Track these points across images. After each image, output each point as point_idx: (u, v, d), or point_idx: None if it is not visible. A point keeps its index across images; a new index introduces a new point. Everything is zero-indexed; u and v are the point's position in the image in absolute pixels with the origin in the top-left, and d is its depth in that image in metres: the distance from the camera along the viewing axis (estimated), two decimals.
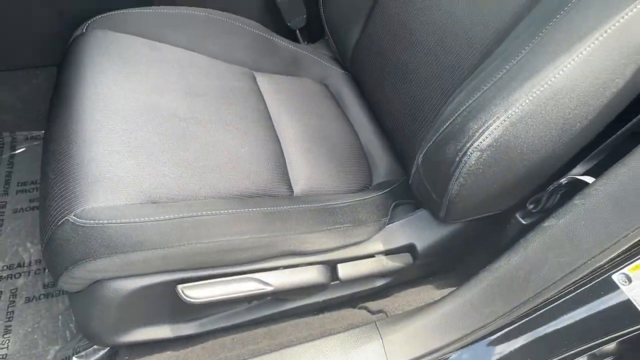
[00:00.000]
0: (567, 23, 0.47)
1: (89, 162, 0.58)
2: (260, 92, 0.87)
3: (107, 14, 0.82)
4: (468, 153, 0.52)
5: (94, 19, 0.81)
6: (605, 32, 0.45)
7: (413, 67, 0.74)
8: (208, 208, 0.58)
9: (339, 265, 0.66)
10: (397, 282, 0.74)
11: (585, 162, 0.60)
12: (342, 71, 1.01)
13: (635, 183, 0.44)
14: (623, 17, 0.44)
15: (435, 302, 0.61)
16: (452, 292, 0.61)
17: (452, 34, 0.68)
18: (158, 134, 0.66)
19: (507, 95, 0.49)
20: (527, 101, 0.48)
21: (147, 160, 0.61)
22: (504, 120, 0.49)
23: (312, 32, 1.07)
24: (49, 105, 0.73)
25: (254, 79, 0.90)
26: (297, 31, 1.05)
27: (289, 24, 1.02)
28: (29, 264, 0.87)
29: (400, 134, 0.78)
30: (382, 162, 0.85)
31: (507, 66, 0.51)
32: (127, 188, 0.56)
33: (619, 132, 0.58)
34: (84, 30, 0.80)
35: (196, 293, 0.56)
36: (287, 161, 0.76)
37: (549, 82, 0.47)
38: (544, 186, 0.61)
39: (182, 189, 0.60)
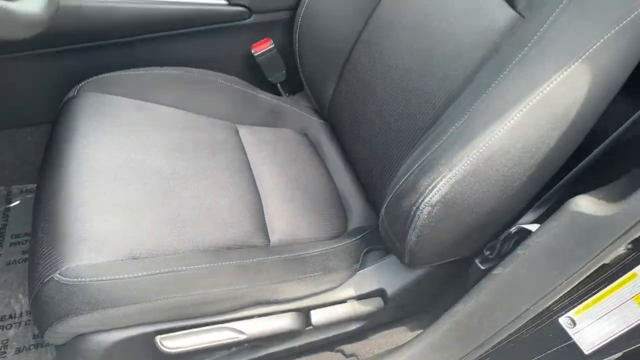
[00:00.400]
0: (498, 93, 0.53)
1: (75, 222, 0.63)
2: (242, 144, 0.93)
3: (97, 77, 0.89)
4: (420, 208, 0.56)
5: (85, 82, 0.88)
6: (531, 101, 0.51)
7: (379, 125, 0.80)
8: (185, 263, 0.62)
9: (312, 312, 0.69)
10: (370, 325, 0.78)
11: (534, 210, 0.65)
12: (321, 121, 1.07)
13: (564, 236, 0.49)
14: (545, 89, 0.50)
15: (401, 346, 0.65)
16: (416, 336, 0.65)
17: (411, 93, 0.74)
18: (142, 191, 0.71)
19: (452, 156, 0.55)
20: (468, 162, 0.53)
21: (130, 217, 0.66)
22: (450, 179, 0.54)
23: (293, 85, 1.14)
24: (41, 166, 0.78)
25: (237, 131, 0.96)
26: (278, 84, 1.12)
27: (269, 79, 1.09)
28: (20, 315, 0.90)
29: (371, 184, 0.84)
30: (357, 208, 0.90)
31: (451, 129, 0.57)
32: (109, 246, 0.61)
33: (562, 181, 0.64)
34: (76, 93, 0.86)
35: (173, 343, 0.59)
36: (265, 212, 0.80)
37: (486, 145, 0.52)
38: (499, 233, 0.66)
39: (162, 244, 0.65)
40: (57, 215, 0.64)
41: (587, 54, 0.49)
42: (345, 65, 0.92)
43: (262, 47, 1.02)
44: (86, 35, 0.89)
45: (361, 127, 0.85)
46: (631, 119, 0.63)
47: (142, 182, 0.72)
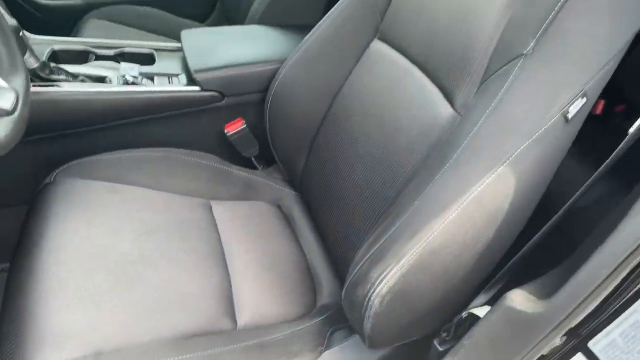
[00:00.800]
0: (436, 191, 0.58)
1: (39, 319, 0.64)
2: (214, 221, 0.95)
3: (74, 162, 0.92)
4: (372, 298, 0.59)
5: (62, 168, 0.91)
6: (465, 201, 0.55)
7: (346, 200, 0.84)
8: (147, 356, 0.63)
9: None
10: None
11: (485, 292, 0.68)
12: (294, 192, 1.10)
13: (501, 329, 0.51)
14: (476, 190, 0.55)
15: None
16: None
17: (372, 173, 0.79)
18: (109, 280, 0.73)
19: (398, 249, 0.58)
20: (413, 255, 0.57)
21: (96, 309, 0.68)
22: (397, 271, 0.57)
23: (268, 157, 1.19)
24: (13, 253, 0.81)
25: (210, 208, 0.99)
26: (253, 158, 1.17)
27: (243, 155, 1.13)
28: None
29: (340, 259, 0.86)
30: (326, 283, 0.92)
31: (398, 223, 0.60)
32: (71, 342, 0.62)
33: (509, 264, 0.67)
34: (52, 179, 0.90)
35: None
36: (234, 292, 0.82)
37: (428, 240, 0.56)
38: (454, 314, 0.68)
39: (126, 336, 0.66)
40: (23, 310, 0.66)
41: (511, 158, 0.54)
42: (314, 142, 0.98)
43: (234, 127, 1.08)
44: (63, 125, 0.94)
45: (330, 200, 0.89)
46: (577, 193, 0.66)
47: (110, 269, 0.74)
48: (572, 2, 0.49)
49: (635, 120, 0.58)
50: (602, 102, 1.17)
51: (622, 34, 0.52)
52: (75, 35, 1.51)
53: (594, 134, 1.02)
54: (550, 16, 0.51)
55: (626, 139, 0.51)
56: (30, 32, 1.07)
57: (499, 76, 0.57)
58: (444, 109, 0.68)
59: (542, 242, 0.69)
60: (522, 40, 0.54)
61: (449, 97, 0.68)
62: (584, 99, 0.53)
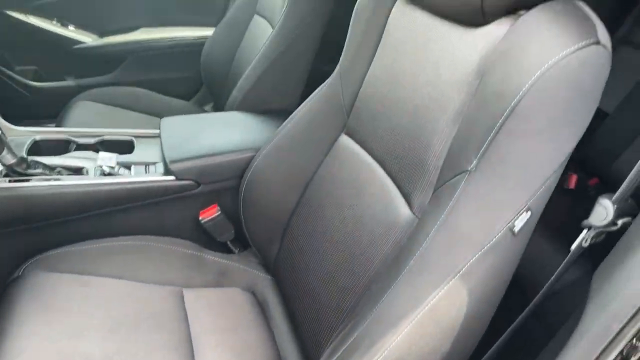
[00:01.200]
0: (390, 303, 0.58)
1: None
2: (185, 312, 0.94)
3: (43, 255, 0.92)
4: None
5: (31, 260, 0.91)
6: (418, 314, 0.55)
7: (316, 293, 0.84)
8: None
9: None
10: None
11: None
12: (270, 277, 1.10)
13: None
14: (430, 303, 0.55)
15: None
16: None
17: (339, 267, 0.79)
18: None
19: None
20: None
21: None
22: None
23: (244, 240, 1.19)
24: None
25: (182, 297, 0.97)
26: (228, 242, 1.17)
27: (218, 240, 1.14)
28: None
29: (311, 353, 0.84)
30: None
31: (356, 333, 0.60)
32: None
33: None
34: (20, 273, 0.89)
35: None
36: None
37: (384, 354, 0.55)
38: None
39: None
40: None
41: (462, 271, 0.55)
42: (286, 230, 0.99)
43: (209, 214, 1.09)
44: (36, 218, 0.95)
45: (301, 291, 0.89)
46: (550, 281, 0.66)
47: None
48: (508, 125, 0.52)
49: (609, 191, 0.59)
50: (574, 177, 1.21)
51: (561, 151, 0.54)
52: (63, 116, 1.56)
53: (569, 207, 1.04)
54: (489, 138, 0.54)
55: (568, 256, 0.52)
56: (20, 112, 1.11)
57: (450, 186, 0.60)
58: (403, 210, 0.70)
59: (517, 328, 0.69)
60: (466, 156, 0.57)
61: (407, 198, 0.70)
62: (529, 213, 0.54)
